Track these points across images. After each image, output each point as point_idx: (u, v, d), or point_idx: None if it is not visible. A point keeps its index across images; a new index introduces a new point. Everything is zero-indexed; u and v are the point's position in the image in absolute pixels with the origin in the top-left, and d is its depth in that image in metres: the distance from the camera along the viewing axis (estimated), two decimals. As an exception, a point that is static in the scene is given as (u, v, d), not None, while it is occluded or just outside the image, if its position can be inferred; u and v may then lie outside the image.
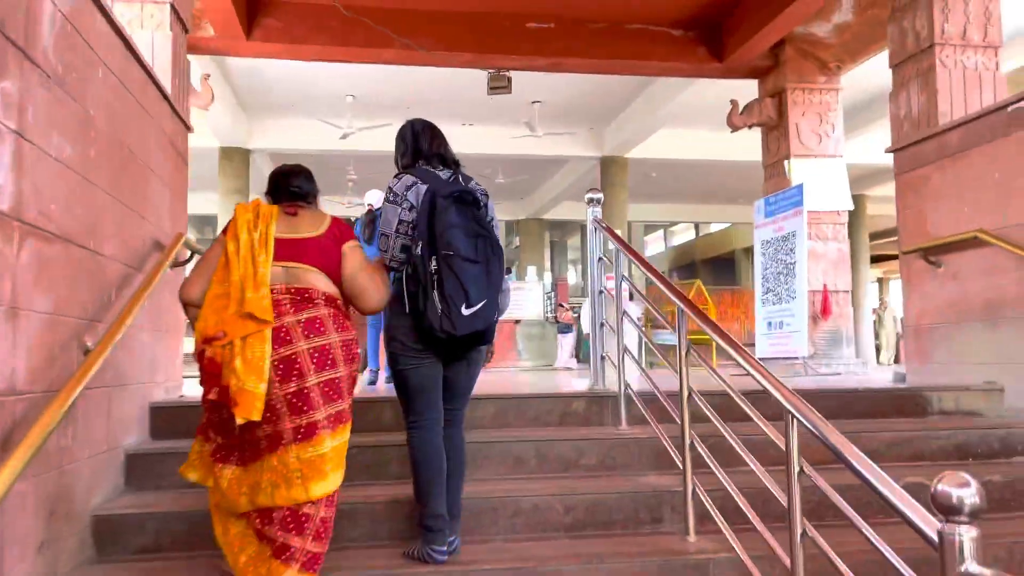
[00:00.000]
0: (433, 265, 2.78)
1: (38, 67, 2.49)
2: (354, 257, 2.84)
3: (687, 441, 3.21)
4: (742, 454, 2.88)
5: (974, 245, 4.69)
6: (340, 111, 13.50)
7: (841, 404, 4.39)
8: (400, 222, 2.92)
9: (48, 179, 2.61)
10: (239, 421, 2.50)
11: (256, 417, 2.50)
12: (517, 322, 15.60)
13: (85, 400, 2.92)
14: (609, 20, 8.15)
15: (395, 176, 3.05)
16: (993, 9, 5.19)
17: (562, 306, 15.84)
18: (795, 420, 2.38)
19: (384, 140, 14.60)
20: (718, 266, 29.15)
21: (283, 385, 2.55)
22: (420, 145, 3.13)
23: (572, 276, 34.09)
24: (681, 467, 3.26)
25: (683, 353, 3.27)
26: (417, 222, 2.87)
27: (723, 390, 3.06)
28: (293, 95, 13.06)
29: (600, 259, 4.53)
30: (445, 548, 2.90)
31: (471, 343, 2.92)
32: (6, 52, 2.27)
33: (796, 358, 7.82)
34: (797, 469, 2.40)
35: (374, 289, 2.84)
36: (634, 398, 3.97)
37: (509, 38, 7.97)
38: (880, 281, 31.13)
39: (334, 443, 2.61)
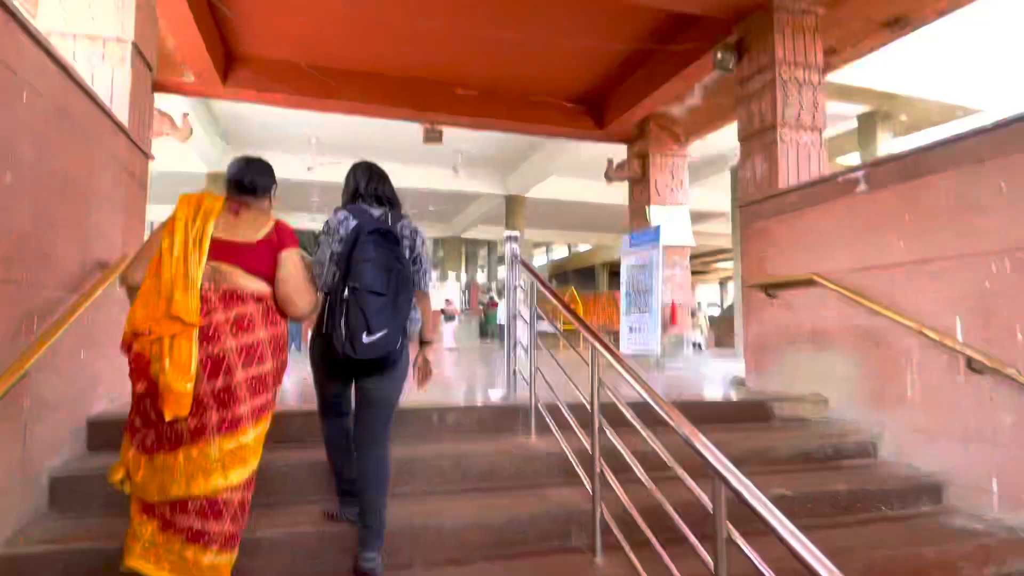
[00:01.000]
0: (344, 295, 2.10)
1: None
2: (288, 264, 2.04)
3: (596, 469, 2.48)
4: (649, 487, 2.19)
5: (805, 284, 4.18)
6: (306, 149, 12.18)
7: (705, 413, 3.80)
8: (331, 253, 2.24)
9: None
10: (168, 417, 1.83)
11: (184, 413, 1.84)
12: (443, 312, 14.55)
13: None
14: (519, 92, 7.38)
15: (334, 211, 2.34)
16: (820, 100, 4.72)
17: (448, 300, 14.69)
18: (723, 486, 1.69)
19: (341, 174, 13.50)
20: (583, 275, 29.00)
21: (211, 381, 1.89)
22: (358, 184, 2.42)
23: (481, 278, 33.33)
24: (590, 490, 2.54)
25: (596, 387, 2.53)
26: (340, 254, 2.18)
27: (636, 399, 2.40)
28: (268, 132, 11.64)
29: (516, 288, 3.76)
30: (358, 510, 2.29)
31: (372, 366, 2.22)
32: None
33: (649, 355, 7.31)
34: (725, 535, 1.71)
35: (301, 299, 2.06)
36: (543, 413, 3.22)
37: (441, 99, 7.06)
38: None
39: (256, 432, 1.96)
